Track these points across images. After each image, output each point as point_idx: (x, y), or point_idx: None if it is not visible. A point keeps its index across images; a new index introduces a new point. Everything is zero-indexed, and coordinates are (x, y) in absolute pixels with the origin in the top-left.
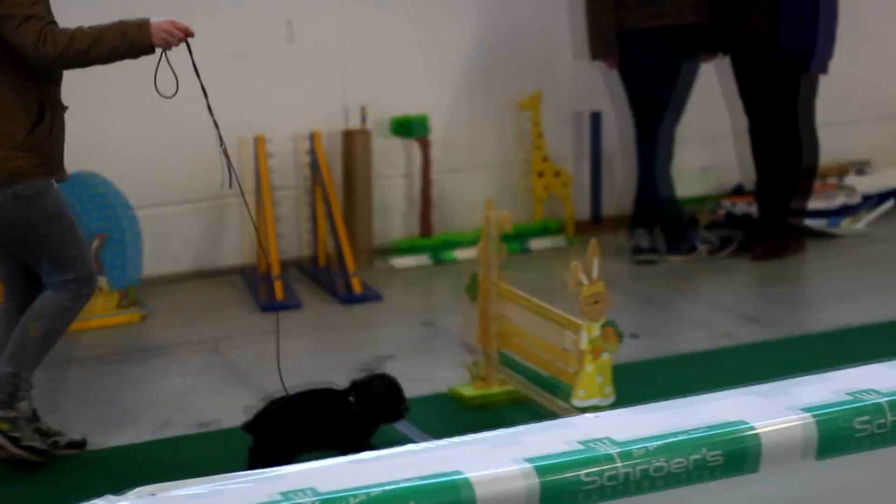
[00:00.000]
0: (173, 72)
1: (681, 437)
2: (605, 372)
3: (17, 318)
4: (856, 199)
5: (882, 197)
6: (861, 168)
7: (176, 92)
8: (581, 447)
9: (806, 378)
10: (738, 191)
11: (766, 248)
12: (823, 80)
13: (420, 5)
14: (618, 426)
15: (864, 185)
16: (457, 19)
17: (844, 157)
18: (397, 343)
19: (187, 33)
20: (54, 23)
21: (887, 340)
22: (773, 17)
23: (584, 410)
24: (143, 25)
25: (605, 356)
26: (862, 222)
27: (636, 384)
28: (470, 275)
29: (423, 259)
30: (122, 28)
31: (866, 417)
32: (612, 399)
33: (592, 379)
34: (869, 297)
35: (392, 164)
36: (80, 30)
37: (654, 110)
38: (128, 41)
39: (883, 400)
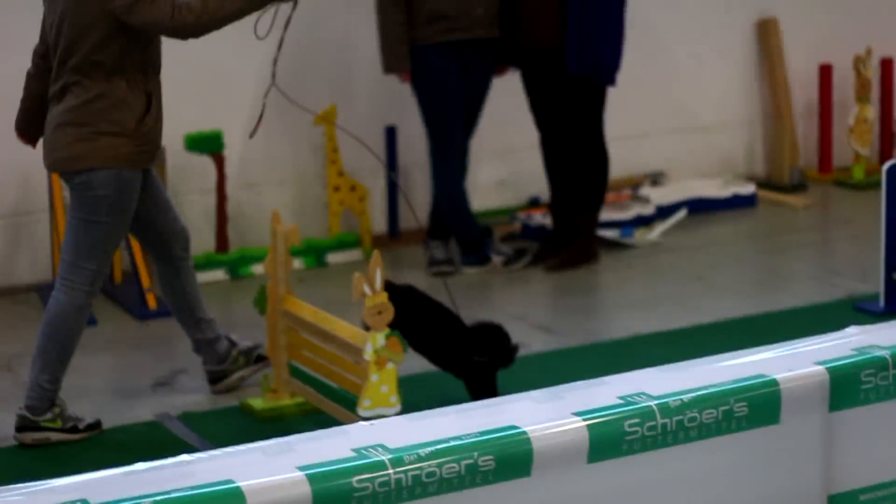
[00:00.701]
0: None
1: (452, 443)
2: (391, 381)
3: (175, 278)
4: (650, 210)
5: (676, 207)
6: (656, 179)
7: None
8: (354, 454)
9: (580, 383)
10: (534, 203)
11: (560, 259)
12: (620, 93)
13: None
14: (392, 433)
15: (659, 195)
16: (251, 33)
17: (640, 168)
18: (193, 357)
19: None
20: None
21: (675, 347)
22: (562, 32)
23: (370, 419)
24: None
25: (390, 366)
26: (655, 232)
27: (424, 394)
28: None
29: (219, 274)
30: None
31: (636, 420)
32: (397, 408)
33: (378, 388)
34: (660, 305)
35: (187, 181)
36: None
37: (448, 124)
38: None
39: (653, 403)
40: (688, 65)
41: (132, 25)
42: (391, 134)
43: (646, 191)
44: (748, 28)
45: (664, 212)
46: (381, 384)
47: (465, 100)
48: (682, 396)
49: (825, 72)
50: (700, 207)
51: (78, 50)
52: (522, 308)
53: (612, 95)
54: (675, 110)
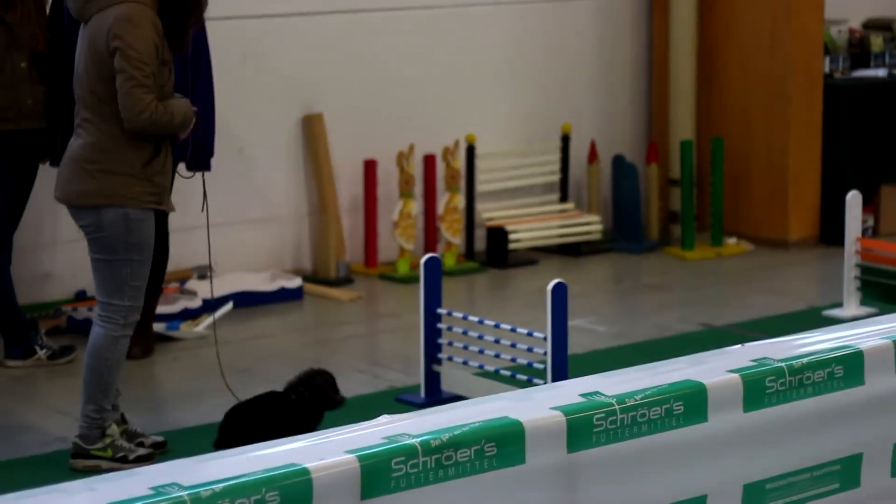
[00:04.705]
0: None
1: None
2: None
3: None
4: (197, 303)
5: (223, 301)
6: (203, 273)
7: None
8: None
9: (107, 476)
10: (80, 297)
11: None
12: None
13: None
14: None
15: (206, 289)
16: None
17: (188, 261)
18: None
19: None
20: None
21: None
22: None
23: None
24: (189, 113)
25: None
26: (201, 325)
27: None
28: None
29: None
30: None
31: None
32: None
33: None
34: (205, 398)
35: None
36: (168, 109)
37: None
38: (187, 119)
39: (185, 494)
40: (235, 159)
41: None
42: None
43: (193, 284)
44: (295, 123)
45: (211, 305)
46: None
47: (13, 192)
48: (213, 486)
49: (370, 167)
50: (247, 301)
51: (93, 89)
52: (67, 403)
53: None
54: (224, 204)
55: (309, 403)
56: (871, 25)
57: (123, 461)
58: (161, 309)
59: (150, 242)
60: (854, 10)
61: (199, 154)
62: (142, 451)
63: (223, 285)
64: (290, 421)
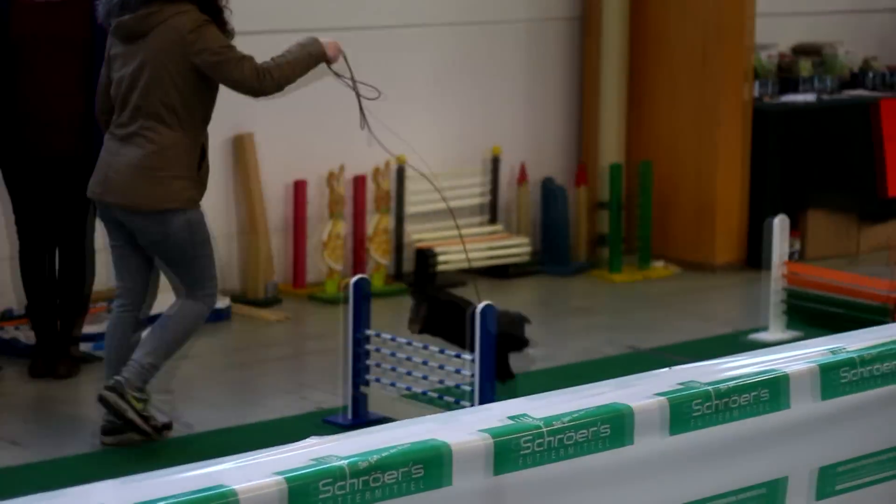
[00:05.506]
0: (352, 77)
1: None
2: None
3: (130, 326)
4: None
5: (151, 320)
6: None
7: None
8: None
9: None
10: (7, 315)
11: (39, 370)
12: None
13: None
14: (104, 495)
15: None
16: None
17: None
18: None
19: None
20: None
21: (142, 462)
22: (79, 142)
23: None
24: (316, 43)
25: None
26: None
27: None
28: None
29: None
30: (306, 53)
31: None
32: None
33: None
34: None
35: None
36: (275, 62)
37: None
38: (314, 59)
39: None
40: None
41: (216, 80)
42: None
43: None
44: (224, 142)
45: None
46: None
47: None
48: None
49: (299, 187)
50: None
51: (157, 98)
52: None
53: None
54: None
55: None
56: (800, 50)
57: (146, 421)
58: (87, 328)
59: (209, 235)
60: (783, 35)
61: None
62: (159, 423)
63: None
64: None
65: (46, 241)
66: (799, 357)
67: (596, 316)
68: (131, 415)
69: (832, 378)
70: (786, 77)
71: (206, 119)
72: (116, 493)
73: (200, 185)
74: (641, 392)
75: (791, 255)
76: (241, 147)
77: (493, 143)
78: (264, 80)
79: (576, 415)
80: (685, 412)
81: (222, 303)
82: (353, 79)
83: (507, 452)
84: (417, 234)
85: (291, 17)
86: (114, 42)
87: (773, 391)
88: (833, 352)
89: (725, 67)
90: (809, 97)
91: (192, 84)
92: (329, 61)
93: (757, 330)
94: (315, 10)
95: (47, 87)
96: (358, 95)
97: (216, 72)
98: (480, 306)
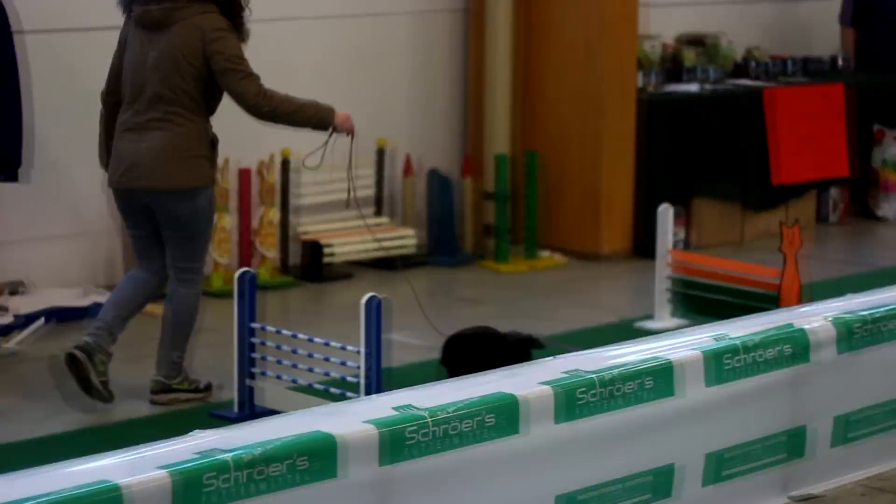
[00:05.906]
0: (323, 150)
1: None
2: None
3: (151, 286)
4: (9, 320)
5: (35, 316)
6: (15, 289)
7: (320, 164)
8: None
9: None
10: None
11: None
12: None
13: None
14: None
15: (19, 305)
16: None
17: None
18: None
19: (353, 129)
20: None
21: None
22: None
23: None
24: (331, 110)
25: None
26: (13, 341)
27: None
28: None
29: None
30: (317, 106)
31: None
32: None
33: None
34: (18, 413)
35: None
36: (286, 95)
37: None
38: (319, 117)
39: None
40: (48, 172)
41: (220, 85)
42: None
43: (4, 300)
44: None
45: (24, 321)
46: None
47: None
48: None
49: None
50: (62, 316)
51: (179, 87)
52: None
53: None
54: (36, 218)
55: (521, 339)
56: (685, 41)
57: (196, 391)
58: None
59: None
60: (667, 25)
61: (4, 164)
62: (203, 383)
63: (35, 301)
64: (504, 354)
65: None
66: (684, 344)
67: (483, 306)
68: (185, 396)
69: (717, 365)
70: (671, 67)
71: (213, 110)
72: (1, 489)
73: (214, 163)
74: (527, 381)
75: (676, 244)
76: None
77: (379, 134)
78: (262, 102)
79: (461, 405)
80: (571, 400)
81: (107, 298)
82: (350, 163)
83: (394, 443)
84: (304, 227)
85: None
86: (131, 27)
87: (657, 378)
88: (717, 339)
89: (611, 58)
90: (693, 87)
91: (209, 78)
92: (336, 129)
93: (643, 318)
94: None
95: None
96: (350, 178)
97: (222, 78)
98: (366, 297)
